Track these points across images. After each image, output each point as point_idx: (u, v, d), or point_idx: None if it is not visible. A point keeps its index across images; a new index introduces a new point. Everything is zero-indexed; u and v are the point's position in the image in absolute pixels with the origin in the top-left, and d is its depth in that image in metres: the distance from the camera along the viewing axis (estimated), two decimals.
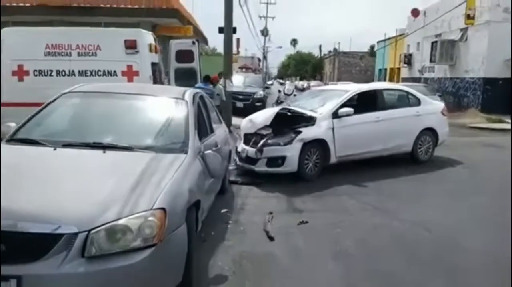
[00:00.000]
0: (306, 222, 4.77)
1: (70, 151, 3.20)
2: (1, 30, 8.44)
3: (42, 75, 7.98)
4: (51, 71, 7.98)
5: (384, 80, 32.22)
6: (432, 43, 22.07)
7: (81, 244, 2.29)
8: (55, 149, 3.17)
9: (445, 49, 20.76)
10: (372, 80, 34.63)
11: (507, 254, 3.81)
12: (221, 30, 12.96)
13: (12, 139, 3.49)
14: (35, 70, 7.95)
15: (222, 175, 4.87)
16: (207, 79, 10.57)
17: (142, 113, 4.02)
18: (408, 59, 27.85)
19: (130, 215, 2.44)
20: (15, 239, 2.25)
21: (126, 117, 3.90)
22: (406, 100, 8.21)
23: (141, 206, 2.51)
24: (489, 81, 17.98)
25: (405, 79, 27.28)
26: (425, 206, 5.49)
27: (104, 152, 3.18)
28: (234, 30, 13.38)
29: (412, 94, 8.31)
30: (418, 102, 8.21)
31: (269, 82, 44.14)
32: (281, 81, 68.88)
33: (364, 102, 7.75)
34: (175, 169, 3.04)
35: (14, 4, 14.43)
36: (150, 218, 2.47)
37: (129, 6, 14.37)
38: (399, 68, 30.53)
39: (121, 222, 2.39)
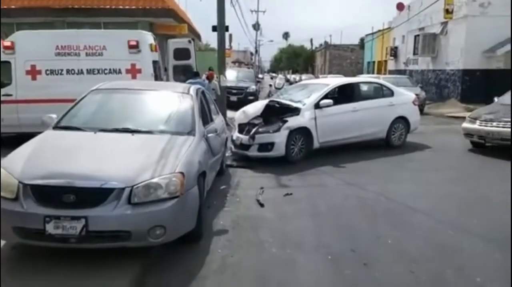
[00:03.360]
0: (291, 194, 5.82)
1: (106, 134, 4.19)
2: (14, 34, 9.35)
3: (53, 74, 8.91)
4: (62, 70, 8.92)
5: (373, 72, 33.29)
6: (415, 36, 23.16)
7: (127, 195, 3.31)
8: (95, 133, 4.18)
9: (427, 42, 21.82)
10: (362, 73, 35.69)
11: (443, 215, 4.91)
12: (214, 29, 13.90)
13: (57, 127, 4.47)
14: (46, 70, 8.89)
15: (221, 155, 5.88)
16: (196, 74, 11.59)
17: (157, 105, 5.02)
18: (394, 52, 28.92)
19: (159, 176, 3.46)
20: (82, 191, 3.27)
21: (144, 108, 4.92)
22: (380, 92, 9.27)
23: (167, 170, 3.53)
24: (468, 72, 19.07)
25: (391, 72, 28.39)
26: (389, 180, 6.60)
27: (132, 135, 4.19)
28: (226, 29, 14.31)
29: (386, 86, 9.37)
30: (391, 93, 9.26)
31: (260, 76, 45.00)
32: (273, 74, 69.79)
33: (343, 94, 8.81)
34: (187, 146, 4.07)
35: (14, 7, 15.13)
36: (174, 179, 3.49)
37: (127, 7, 15.26)
38: (386, 61, 31.61)
39: (154, 180, 3.42)
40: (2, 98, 8.72)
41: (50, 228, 3.19)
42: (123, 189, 3.31)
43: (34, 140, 4.08)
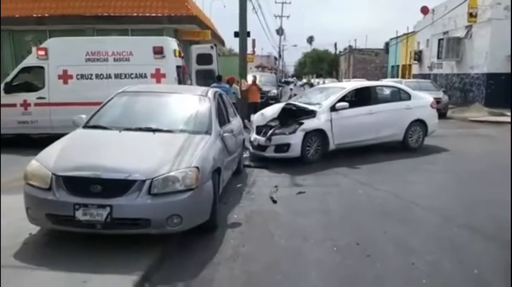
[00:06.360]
0: (304, 192, 6.06)
1: (130, 133, 4.57)
2: (47, 40, 9.98)
3: (83, 79, 9.47)
4: (91, 75, 9.46)
5: (397, 76, 33.02)
6: (439, 40, 22.94)
7: (148, 187, 3.65)
8: (120, 131, 4.56)
9: (451, 46, 21.59)
10: (386, 77, 35.45)
11: (451, 214, 5.04)
12: (236, 34, 14.32)
13: (86, 126, 4.88)
14: (77, 74, 9.45)
15: (237, 155, 6.18)
16: (219, 78, 11.95)
17: (177, 106, 5.39)
18: (418, 56, 28.66)
19: (177, 170, 3.79)
20: (108, 182, 3.63)
21: (166, 109, 5.28)
22: (397, 95, 9.37)
23: (183, 165, 3.86)
24: (492, 76, 18.78)
25: (415, 76, 28.16)
26: (402, 181, 6.73)
27: (154, 133, 4.55)
28: (248, 34, 14.72)
29: (403, 90, 9.48)
30: (408, 97, 9.35)
31: (283, 80, 45.34)
32: (297, 80, 70.01)
33: (360, 98, 8.98)
34: (203, 144, 4.40)
35: (47, 15, 15.95)
36: (190, 172, 3.82)
37: (153, 14, 15.86)
38: (410, 65, 31.34)
39: (171, 174, 3.75)
40: (36, 101, 9.36)
41: (79, 214, 3.56)
42: (144, 181, 3.66)
43: (65, 138, 4.50)
